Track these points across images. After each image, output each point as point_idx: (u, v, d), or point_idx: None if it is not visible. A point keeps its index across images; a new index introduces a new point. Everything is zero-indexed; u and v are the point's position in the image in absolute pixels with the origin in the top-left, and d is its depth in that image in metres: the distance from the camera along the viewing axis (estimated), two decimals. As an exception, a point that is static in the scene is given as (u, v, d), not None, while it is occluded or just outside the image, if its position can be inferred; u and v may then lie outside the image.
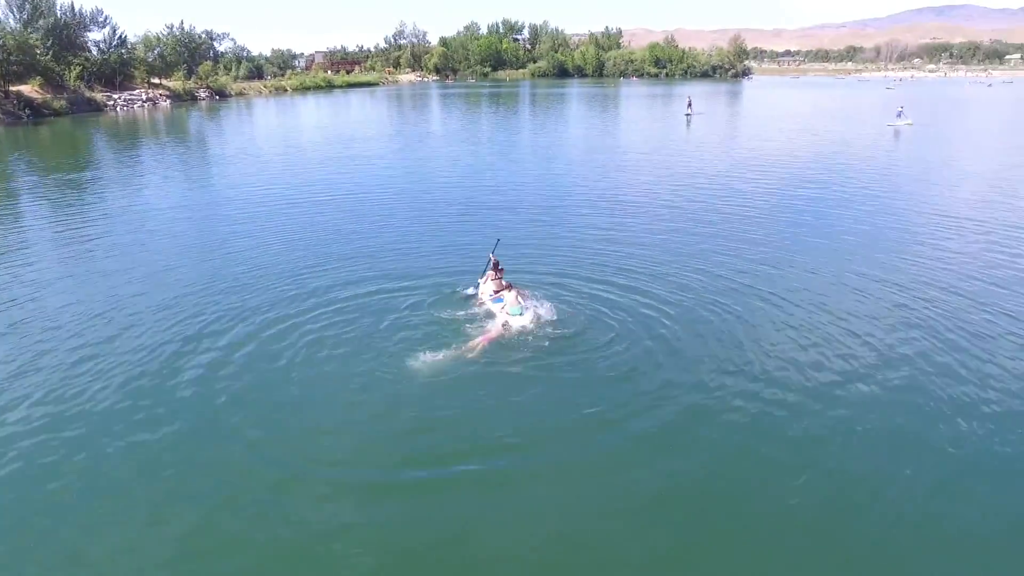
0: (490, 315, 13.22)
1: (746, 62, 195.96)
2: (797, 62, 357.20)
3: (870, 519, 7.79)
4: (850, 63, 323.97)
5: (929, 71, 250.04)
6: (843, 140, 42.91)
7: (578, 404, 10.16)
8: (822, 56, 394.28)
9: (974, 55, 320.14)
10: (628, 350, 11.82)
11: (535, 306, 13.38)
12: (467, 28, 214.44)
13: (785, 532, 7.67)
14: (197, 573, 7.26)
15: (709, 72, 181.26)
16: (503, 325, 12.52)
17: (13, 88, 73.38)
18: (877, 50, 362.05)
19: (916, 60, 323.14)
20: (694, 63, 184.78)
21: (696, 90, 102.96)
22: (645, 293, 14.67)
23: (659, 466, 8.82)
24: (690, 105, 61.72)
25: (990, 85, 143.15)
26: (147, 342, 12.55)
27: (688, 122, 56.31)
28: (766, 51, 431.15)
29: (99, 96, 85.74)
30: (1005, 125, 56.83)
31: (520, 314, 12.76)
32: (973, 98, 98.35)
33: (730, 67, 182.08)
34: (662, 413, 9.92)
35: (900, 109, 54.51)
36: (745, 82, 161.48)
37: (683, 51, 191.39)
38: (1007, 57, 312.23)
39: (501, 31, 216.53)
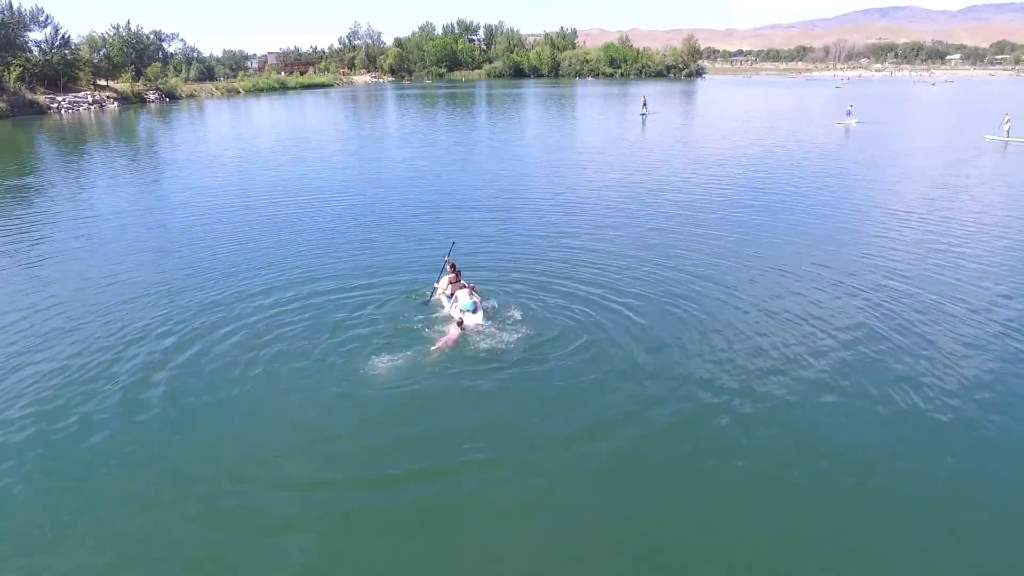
0: (447, 317, 13.22)
1: (699, 62, 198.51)
2: (750, 62, 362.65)
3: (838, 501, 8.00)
4: (800, 63, 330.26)
5: (876, 70, 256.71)
6: (795, 138, 43.88)
7: (544, 414, 10.08)
8: (773, 56, 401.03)
9: (917, 55, 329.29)
10: (590, 351, 11.88)
11: (490, 305, 13.50)
12: (422, 29, 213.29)
13: (763, 538, 7.68)
14: None
15: (663, 72, 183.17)
16: (458, 323, 12.52)
17: (-50, 90, 70.72)
18: (826, 50, 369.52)
19: (863, 60, 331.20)
20: (648, 63, 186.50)
21: (651, 90, 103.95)
22: (605, 291, 14.80)
23: (631, 479, 8.69)
24: (645, 105, 62.16)
25: (933, 84, 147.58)
26: (89, 347, 12.33)
27: (643, 122, 56.78)
28: (719, 51, 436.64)
29: (42, 98, 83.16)
30: (948, 122, 58.56)
31: (472, 311, 12.92)
32: (917, 96, 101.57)
33: (684, 67, 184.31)
34: (631, 421, 9.88)
35: (849, 108, 55.82)
36: (699, 81, 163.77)
37: (638, 51, 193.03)
38: (948, 57, 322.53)
39: (456, 32, 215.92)
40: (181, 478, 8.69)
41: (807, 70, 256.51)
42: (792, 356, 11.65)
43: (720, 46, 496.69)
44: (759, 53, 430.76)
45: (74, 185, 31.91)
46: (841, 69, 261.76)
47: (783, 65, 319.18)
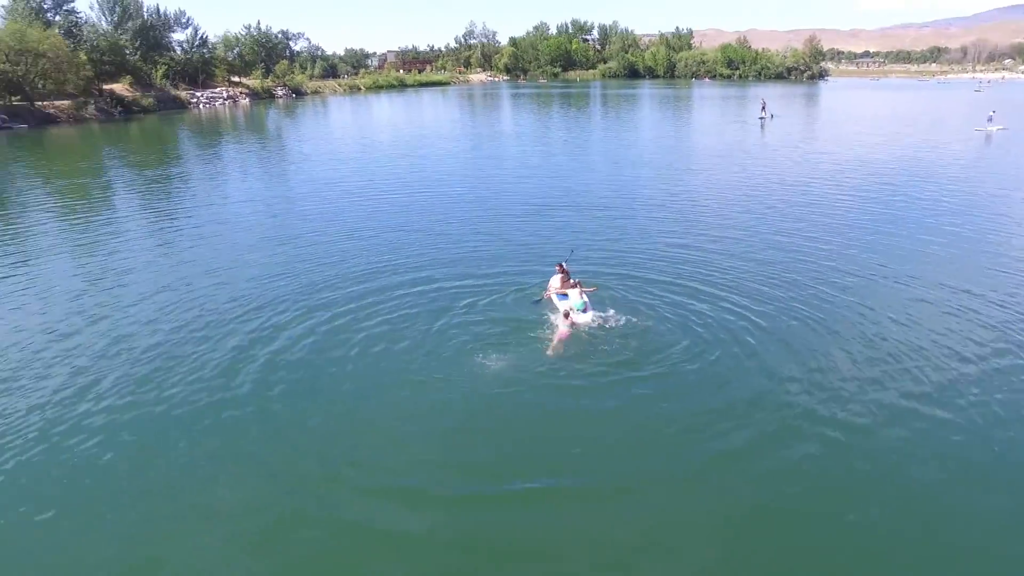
0: (555, 313, 13.40)
1: (822, 63, 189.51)
2: (876, 63, 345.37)
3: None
4: (934, 64, 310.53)
5: (1022, 72, 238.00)
6: (927, 146, 41.08)
7: (653, 416, 10.02)
8: (903, 57, 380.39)
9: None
10: (705, 358, 11.69)
11: (602, 309, 13.52)
12: (537, 28, 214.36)
13: (879, 553, 7.43)
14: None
15: (783, 74, 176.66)
16: (565, 315, 12.78)
17: (106, 87, 77.01)
18: (964, 50, 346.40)
19: (1007, 60, 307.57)
20: (768, 64, 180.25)
21: (770, 92, 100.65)
22: (720, 297, 14.53)
23: (741, 488, 8.50)
24: (764, 108, 60.10)
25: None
26: (214, 332, 13.20)
27: (762, 126, 54.98)
28: (843, 52, 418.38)
29: (183, 94, 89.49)
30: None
31: (583, 310, 13.10)
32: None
33: (805, 69, 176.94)
34: (744, 430, 9.66)
35: (991, 113, 52.09)
36: (821, 84, 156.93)
37: (756, 52, 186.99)
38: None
39: (570, 31, 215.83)
40: (272, 471, 8.96)
41: (941, 72, 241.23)
42: (928, 390, 10.71)
43: (845, 47, 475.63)
44: (887, 54, 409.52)
45: (210, 175, 34.45)
46: (981, 71, 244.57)
47: (914, 67, 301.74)
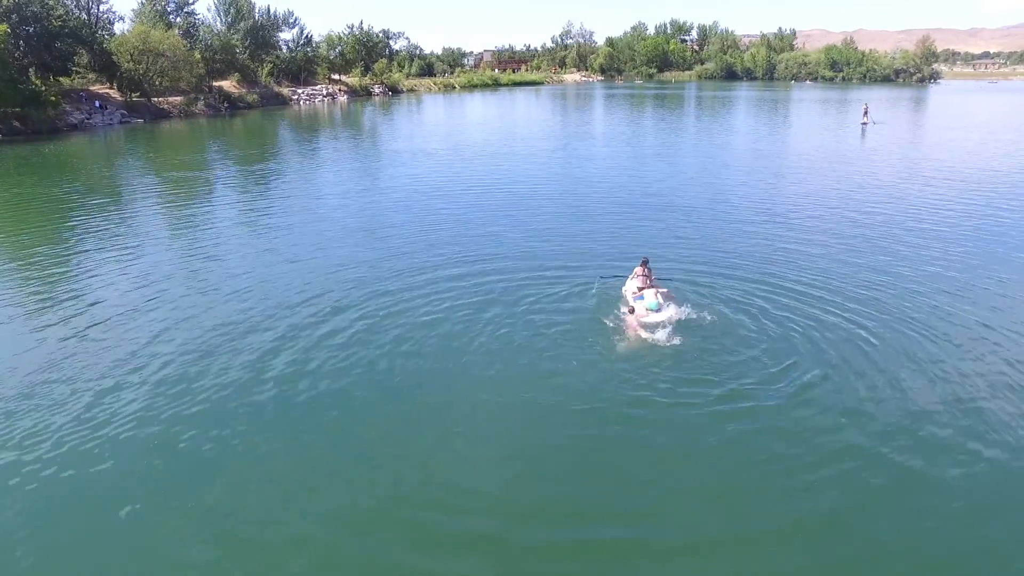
0: (629, 309, 13.62)
1: (935, 65, 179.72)
2: (997, 64, 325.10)
3: None
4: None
5: None
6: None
7: (737, 449, 9.45)
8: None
9: None
10: (791, 376, 11.31)
11: (680, 309, 13.60)
12: (634, 28, 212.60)
13: None
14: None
15: (891, 76, 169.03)
16: (630, 311, 13.20)
17: (216, 83, 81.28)
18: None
19: None
20: (874, 66, 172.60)
21: (874, 96, 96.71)
22: (809, 308, 14.24)
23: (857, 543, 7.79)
24: (866, 113, 57.62)
25: None
26: (299, 322, 14.08)
27: (863, 132, 52.82)
28: (959, 53, 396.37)
29: (285, 91, 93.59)
30: None
31: (657, 310, 13.17)
32: None
33: (915, 71, 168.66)
34: (856, 471, 8.96)
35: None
36: (932, 87, 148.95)
37: (863, 53, 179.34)
38: None
39: (669, 32, 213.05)
40: (339, 479, 9.07)
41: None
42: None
43: (962, 47, 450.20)
44: (1010, 55, 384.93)
45: (306, 169, 36.54)
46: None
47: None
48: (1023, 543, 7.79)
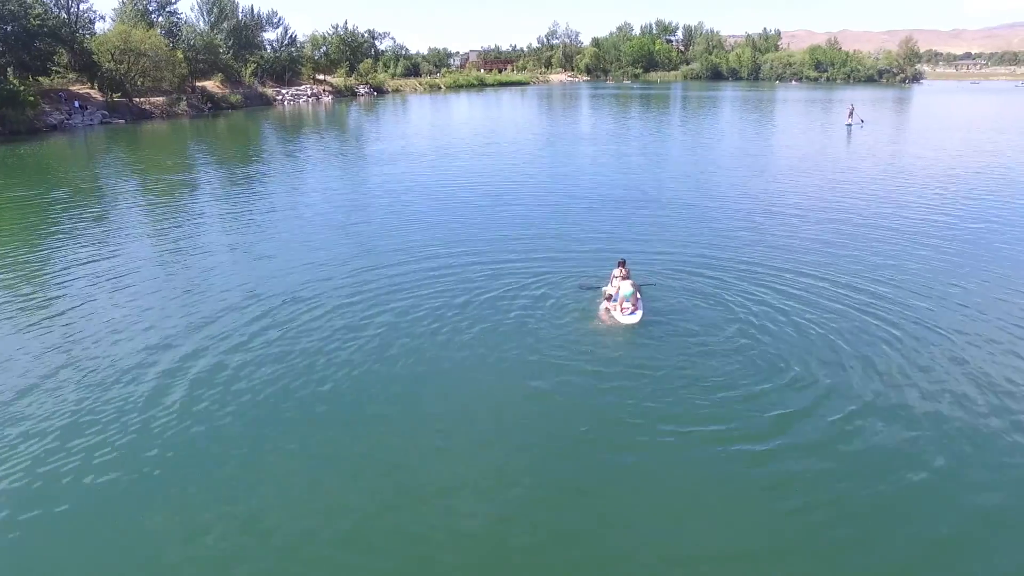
0: (607, 296, 14.08)
1: (917, 66, 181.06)
2: (978, 65, 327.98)
3: None
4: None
5: None
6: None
7: (697, 425, 9.87)
8: (1008, 59, 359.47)
9: None
10: (759, 365, 11.52)
11: (653, 309, 13.96)
12: (620, 29, 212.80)
13: None
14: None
15: (875, 76, 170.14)
16: (608, 297, 13.72)
17: (199, 84, 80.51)
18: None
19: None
20: (858, 67, 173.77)
21: (859, 96, 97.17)
22: (784, 306, 14.31)
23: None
24: (851, 114, 57.58)
25: None
26: (284, 319, 14.05)
27: (849, 132, 52.79)
28: (942, 53, 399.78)
29: (269, 91, 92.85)
30: None
31: (631, 301, 13.51)
32: None
33: (899, 71, 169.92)
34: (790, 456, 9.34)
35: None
36: (915, 88, 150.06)
37: (846, 54, 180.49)
38: None
39: (654, 32, 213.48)
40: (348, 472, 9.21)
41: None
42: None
43: (944, 48, 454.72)
44: (990, 56, 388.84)
45: (290, 169, 36.26)
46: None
47: (1020, 69, 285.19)
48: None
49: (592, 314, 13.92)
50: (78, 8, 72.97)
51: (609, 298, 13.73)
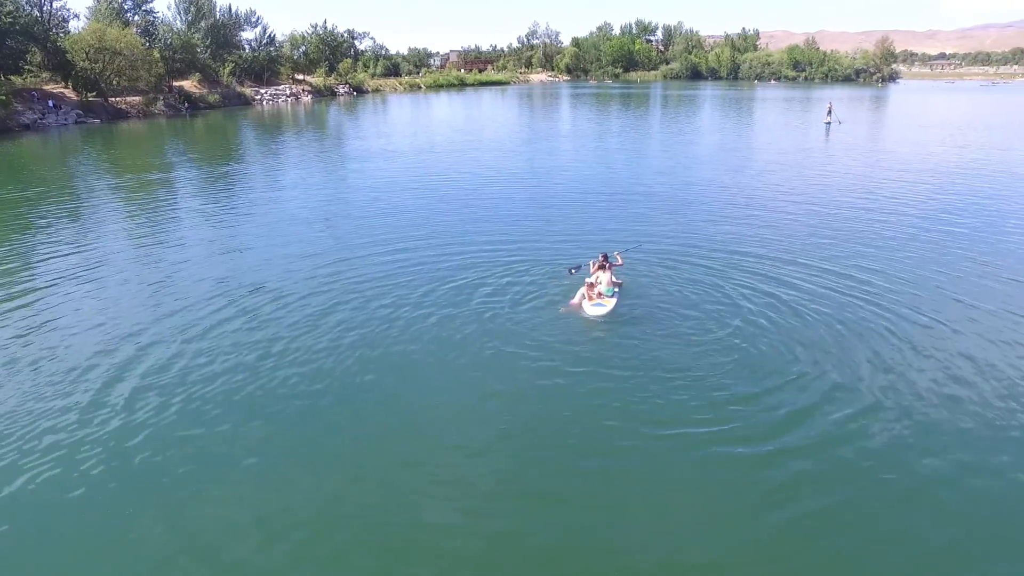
0: (589, 286, 13.98)
1: (894, 65, 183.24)
2: (953, 65, 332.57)
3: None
4: (1016, 66, 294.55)
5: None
6: (1009, 156, 38.78)
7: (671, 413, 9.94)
8: (982, 59, 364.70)
9: None
10: (736, 355, 11.61)
11: (630, 305, 14.03)
12: (600, 29, 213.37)
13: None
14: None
15: (852, 76, 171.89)
16: (588, 292, 13.70)
17: (176, 83, 79.61)
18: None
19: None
20: (836, 66, 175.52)
21: (837, 95, 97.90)
22: (758, 298, 14.35)
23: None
24: (830, 112, 57.82)
25: None
26: (268, 317, 13.72)
27: (827, 130, 53.06)
28: (917, 54, 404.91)
29: (248, 91, 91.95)
30: None
31: (609, 294, 13.69)
32: None
33: (875, 71, 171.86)
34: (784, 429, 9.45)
35: None
36: (892, 87, 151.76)
37: (824, 53, 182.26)
38: None
39: (634, 32, 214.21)
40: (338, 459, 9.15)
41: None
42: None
43: (919, 48, 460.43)
44: (964, 56, 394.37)
45: (269, 169, 35.58)
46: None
47: (992, 69, 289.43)
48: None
49: (564, 303, 14.01)
50: (51, 6, 71.97)
51: (591, 287, 13.73)
